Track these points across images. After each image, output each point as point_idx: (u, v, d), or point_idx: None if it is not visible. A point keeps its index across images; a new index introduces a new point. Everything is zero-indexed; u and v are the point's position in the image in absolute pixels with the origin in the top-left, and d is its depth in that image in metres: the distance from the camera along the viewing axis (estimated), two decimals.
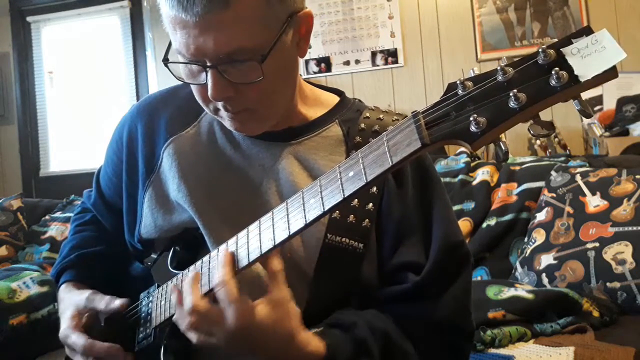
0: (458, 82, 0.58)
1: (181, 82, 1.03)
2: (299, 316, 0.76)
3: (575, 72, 0.52)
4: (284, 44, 0.81)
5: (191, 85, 0.85)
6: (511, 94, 0.54)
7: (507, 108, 0.55)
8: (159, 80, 3.66)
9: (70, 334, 0.94)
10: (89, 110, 3.80)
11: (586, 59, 0.51)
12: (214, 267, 0.79)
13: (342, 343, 0.78)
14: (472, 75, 0.58)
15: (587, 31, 0.52)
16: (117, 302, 0.93)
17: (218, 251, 0.80)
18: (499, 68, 0.55)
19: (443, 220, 0.88)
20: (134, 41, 3.73)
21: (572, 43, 0.53)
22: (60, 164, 3.84)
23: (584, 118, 2.86)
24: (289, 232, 0.71)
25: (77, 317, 0.96)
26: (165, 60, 0.82)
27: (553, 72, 0.52)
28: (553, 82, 0.53)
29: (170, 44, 0.82)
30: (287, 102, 0.89)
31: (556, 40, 0.54)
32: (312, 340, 0.77)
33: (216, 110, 0.85)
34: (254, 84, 0.79)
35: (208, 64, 0.78)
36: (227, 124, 0.87)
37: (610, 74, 0.52)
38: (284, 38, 0.80)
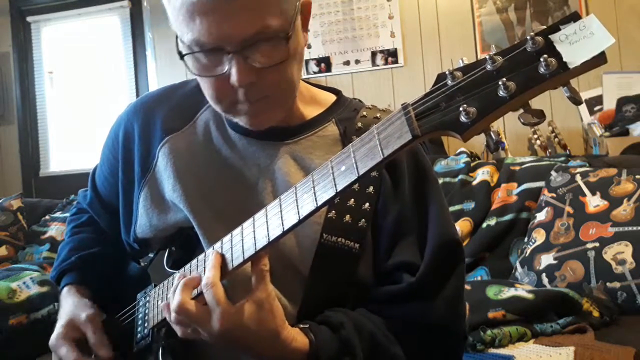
0: (447, 72, 0.57)
1: (179, 82, 1.04)
2: (282, 314, 0.77)
3: (564, 59, 0.51)
4: (297, 28, 0.81)
5: (204, 82, 0.83)
6: (500, 83, 0.53)
7: (497, 97, 0.54)
8: (159, 80, 3.66)
9: (61, 345, 0.94)
10: (89, 110, 3.79)
11: (574, 45, 0.50)
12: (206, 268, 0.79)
13: (328, 341, 0.78)
14: (462, 65, 0.57)
15: (575, 17, 0.52)
16: (103, 353, 0.93)
17: (213, 248, 0.80)
18: (487, 57, 0.55)
19: (438, 221, 0.87)
20: (134, 41, 3.73)
21: (560, 29, 0.52)
22: (60, 164, 3.84)
23: (584, 118, 2.86)
24: (283, 229, 0.71)
25: (69, 327, 0.96)
26: (181, 54, 0.79)
27: (542, 60, 0.52)
28: (542, 70, 0.52)
29: (177, 39, 0.80)
30: (296, 91, 0.88)
31: (544, 27, 0.53)
32: (297, 337, 0.77)
33: (232, 105, 0.83)
34: (275, 68, 0.78)
35: (232, 50, 0.76)
36: (243, 119, 0.85)
37: (599, 59, 0.51)
38: (296, 22, 0.80)
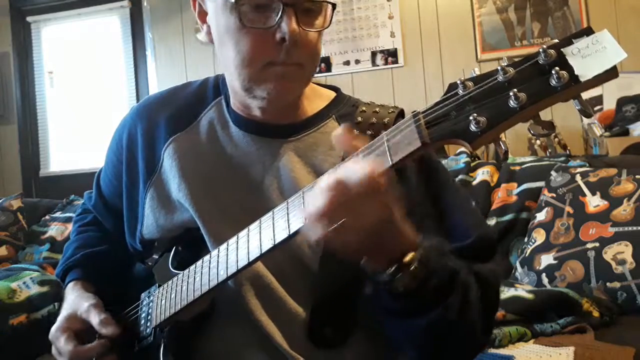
0: (459, 81, 0.58)
1: (181, 84, 1.04)
2: None
3: (576, 72, 0.52)
4: None
5: (243, 38, 0.83)
6: (511, 94, 0.54)
7: (507, 108, 0.55)
8: (158, 80, 3.67)
9: (59, 337, 0.93)
10: (89, 110, 3.80)
11: (586, 59, 0.51)
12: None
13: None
14: (474, 75, 0.58)
15: (588, 31, 0.52)
16: (109, 330, 0.92)
17: (219, 251, 0.80)
18: (499, 68, 0.56)
19: (460, 208, 0.86)
20: (134, 41, 3.74)
21: (572, 43, 0.53)
22: (60, 164, 3.85)
23: (584, 118, 2.87)
24: (289, 232, 0.71)
25: (72, 319, 0.96)
26: (237, 1, 0.82)
27: (553, 72, 0.53)
28: (553, 82, 0.53)
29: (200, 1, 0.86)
30: (314, 73, 0.91)
31: (557, 40, 0.54)
32: (406, 222, 0.69)
33: (265, 68, 0.84)
34: (313, 37, 0.84)
35: (288, 2, 0.80)
36: (268, 87, 0.85)
37: (611, 73, 0.52)
38: None
